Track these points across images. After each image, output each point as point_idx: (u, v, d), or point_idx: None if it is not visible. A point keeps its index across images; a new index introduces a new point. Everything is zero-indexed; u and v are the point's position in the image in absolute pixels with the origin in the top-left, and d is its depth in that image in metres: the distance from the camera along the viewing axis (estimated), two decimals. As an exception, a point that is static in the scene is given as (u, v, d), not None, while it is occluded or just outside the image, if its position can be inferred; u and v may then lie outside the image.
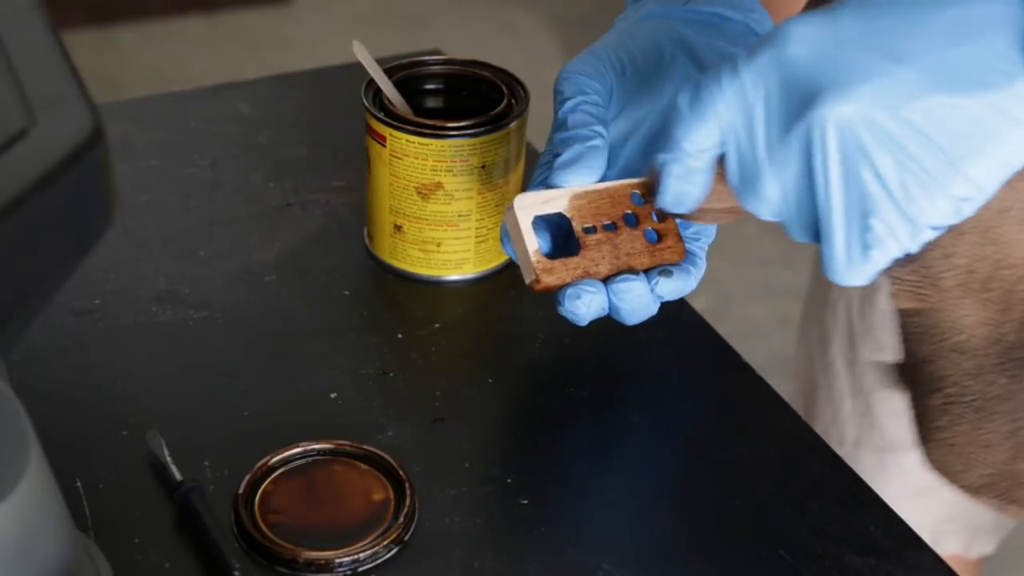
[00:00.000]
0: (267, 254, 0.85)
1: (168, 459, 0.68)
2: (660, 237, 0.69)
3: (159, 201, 0.89)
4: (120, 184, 0.89)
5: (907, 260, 0.63)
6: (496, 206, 0.81)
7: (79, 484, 0.68)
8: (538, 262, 0.66)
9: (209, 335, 0.78)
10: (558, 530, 0.67)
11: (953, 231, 0.61)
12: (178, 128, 0.96)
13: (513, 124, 0.80)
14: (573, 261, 0.67)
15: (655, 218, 0.69)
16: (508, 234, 0.67)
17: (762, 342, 1.94)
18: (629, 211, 0.68)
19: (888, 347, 0.98)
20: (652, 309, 0.67)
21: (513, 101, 0.82)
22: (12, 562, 0.51)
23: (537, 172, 0.69)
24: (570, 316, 0.66)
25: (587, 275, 0.67)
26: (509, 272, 0.84)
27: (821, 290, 1.05)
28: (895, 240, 0.56)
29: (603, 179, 0.68)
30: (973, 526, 1.03)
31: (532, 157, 0.89)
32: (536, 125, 0.84)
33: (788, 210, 0.59)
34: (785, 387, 1.09)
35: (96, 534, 0.65)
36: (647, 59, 0.72)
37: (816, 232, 0.59)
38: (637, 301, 0.67)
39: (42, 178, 0.43)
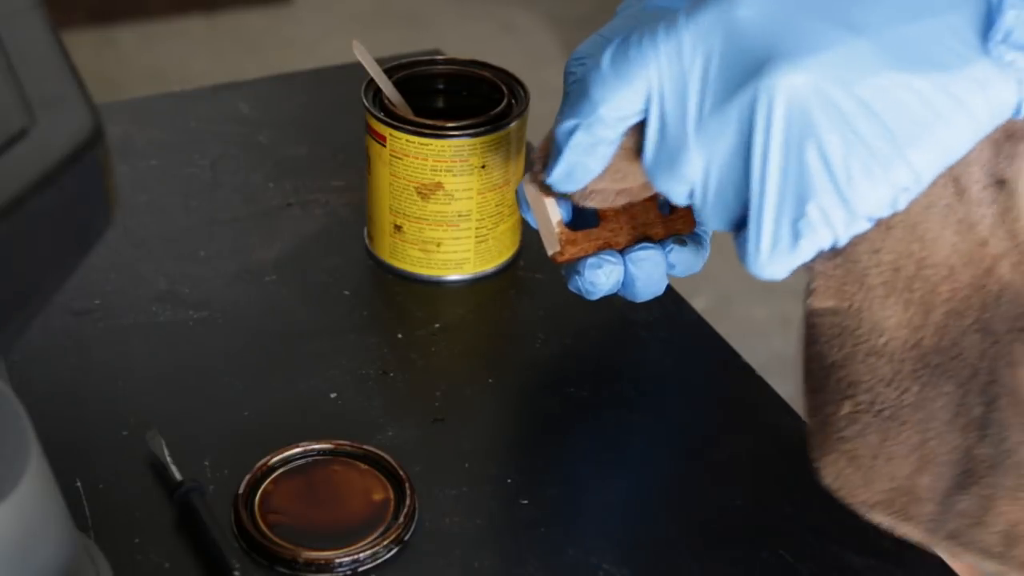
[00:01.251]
0: (267, 254, 0.85)
1: (168, 459, 0.68)
2: (672, 208, 0.69)
3: (159, 201, 0.89)
4: (120, 184, 0.89)
5: (832, 254, 0.60)
6: (496, 206, 0.81)
7: (79, 484, 0.68)
8: (562, 233, 0.66)
9: (209, 335, 0.78)
10: (558, 530, 0.67)
11: (882, 225, 0.58)
12: (178, 128, 0.96)
13: (513, 124, 0.80)
14: (594, 232, 0.66)
15: None
16: (528, 204, 0.66)
17: (762, 342, 1.94)
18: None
19: None
20: (662, 286, 0.66)
21: (513, 101, 0.82)
22: (12, 562, 0.51)
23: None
24: (587, 288, 0.65)
25: (608, 246, 0.67)
26: (509, 272, 0.84)
27: None
28: (828, 229, 0.53)
29: None
30: None
31: (532, 157, 0.89)
32: (536, 125, 0.84)
33: (707, 192, 0.54)
34: (785, 387, 1.09)
35: (96, 534, 0.65)
36: None
37: (735, 219, 0.55)
38: (654, 270, 0.65)
39: (42, 178, 0.43)
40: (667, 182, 0.55)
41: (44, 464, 0.53)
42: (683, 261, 0.67)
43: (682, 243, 0.66)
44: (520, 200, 0.68)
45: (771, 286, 2.25)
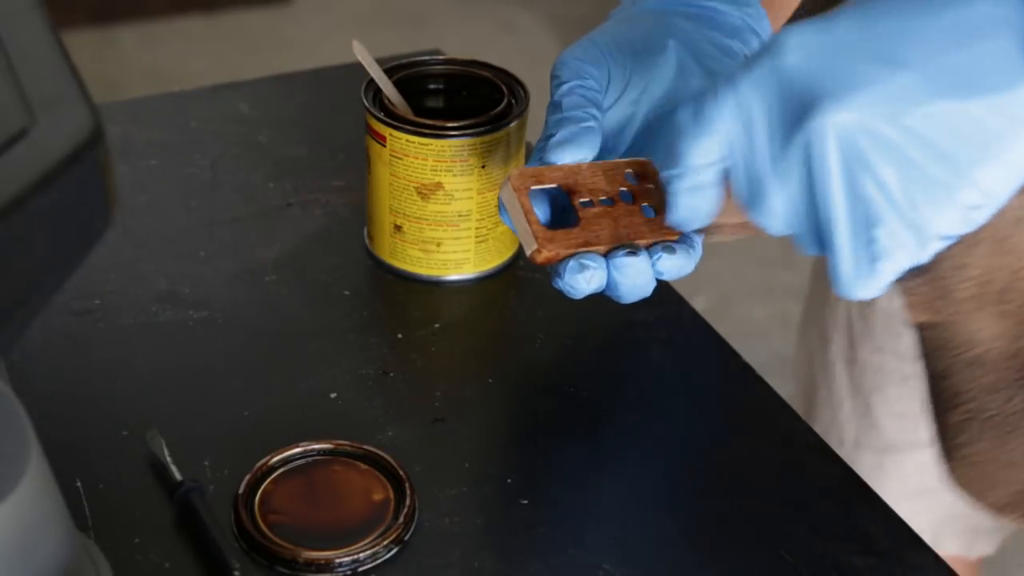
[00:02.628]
0: (267, 254, 0.85)
1: (168, 459, 0.68)
2: (658, 213, 0.68)
3: (159, 201, 0.89)
4: (120, 184, 0.89)
5: (918, 271, 0.62)
6: (496, 206, 0.81)
7: (79, 484, 0.68)
8: (539, 231, 0.65)
9: (209, 335, 0.78)
10: (558, 530, 0.67)
11: (966, 240, 0.59)
12: (178, 128, 0.96)
13: (513, 124, 0.80)
14: (574, 232, 0.66)
15: (651, 195, 0.68)
16: (505, 208, 0.67)
17: (762, 342, 1.94)
18: (624, 188, 0.68)
19: (887, 348, 0.98)
20: (649, 288, 0.66)
21: (513, 101, 0.82)
22: (12, 562, 0.51)
23: (533, 154, 0.69)
24: (568, 290, 0.65)
25: (588, 245, 0.66)
26: (509, 272, 0.84)
27: (821, 290, 1.05)
28: (903, 251, 0.55)
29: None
30: (973, 526, 1.03)
31: (532, 157, 0.89)
32: (536, 125, 0.84)
33: (798, 223, 0.57)
34: (785, 387, 1.09)
35: (96, 534, 0.65)
36: (644, 46, 0.71)
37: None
38: (638, 277, 0.65)
39: (42, 178, 0.43)
40: (761, 217, 0.58)
41: (44, 464, 0.53)
42: (672, 267, 0.67)
43: (671, 250, 0.66)
44: (500, 206, 0.68)
45: (771, 286, 2.25)
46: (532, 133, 0.85)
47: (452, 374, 0.77)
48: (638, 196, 0.68)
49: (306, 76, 1.05)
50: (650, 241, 0.68)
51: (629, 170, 0.68)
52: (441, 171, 0.79)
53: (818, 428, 1.01)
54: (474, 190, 0.80)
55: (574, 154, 0.67)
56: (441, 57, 0.86)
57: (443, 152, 0.79)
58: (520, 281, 0.84)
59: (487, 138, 0.79)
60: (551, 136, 0.68)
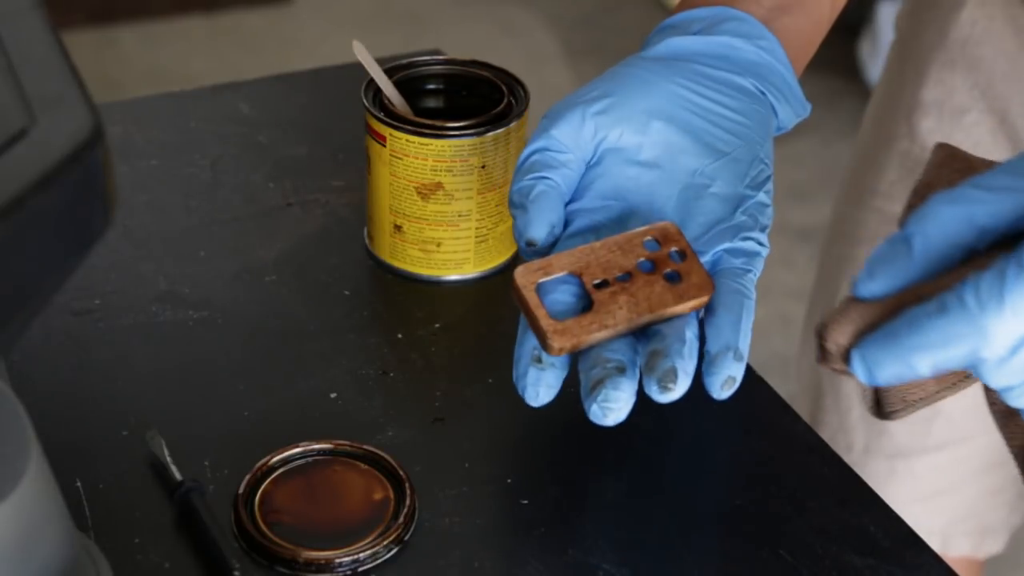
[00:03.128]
0: (267, 254, 0.85)
1: (168, 459, 0.68)
2: (682, 276, 0.66)
3: (159, 201, 0.89)
4: (120, 184, 0.89)
5: None
6: (496, 206, 0.81)
7: (79, 484, 0.68)
8: (548, 325, 0.63)
9: (209, 335, 0.78)
10: (558, 530, 0.67)
11: None
12: (178, 128, 0.96)
13: (513, 124, 0.80)
14: (587, 318, 0.63)
15: (675, 259, 0.66)
16: (517, 303, 0.65)
17: (762, 342, 1.94)
18: (644, 257, 0.66)
19: None
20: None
21: (513, 101, 0.82)
22: (12, 562, 0.51)
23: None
24: (600, 418, 0.63)
25: (603, 327, 0.63)
26: (509, 272, 0.84)
27: (827, 294, 1.05)
28: None
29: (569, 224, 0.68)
30: (983, 526, 1.03)
31: (532, 157, 0.89)
32: (536, 125, 0.84)
33: None
34: (785, 387, 1.09)
35: (96, 534, 0.65)
36: (629, 137, 0.71)
37: None
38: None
39: (42, 178, 0.43)
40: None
41: (44, 464, 0.53)
42: (674, 396, 0.64)
43: (667, 389, 0.63)
44: (515, 295, 0.66)
45: (770, 286, 2.25)
46: (532, 133, 0.85)
47: (452, 374, 0.77)
48: (660, 263, 0.66)
49: (306, 76, 1.05)
50: (674, 305, 0.65)
51: (649, 237, 0.66)
52: (441, 171, 0.79)
53: (824, 434, 1.01)
54: (474, 190, 0.80)
55: (535, 221, 0.67)
56: (441, 57, 0.86)
57: (443, 152, 0.79)
58: (520, 281, 0.84)
59: (487, 138, 0.79)
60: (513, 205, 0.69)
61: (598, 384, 0.62)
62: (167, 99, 1.01)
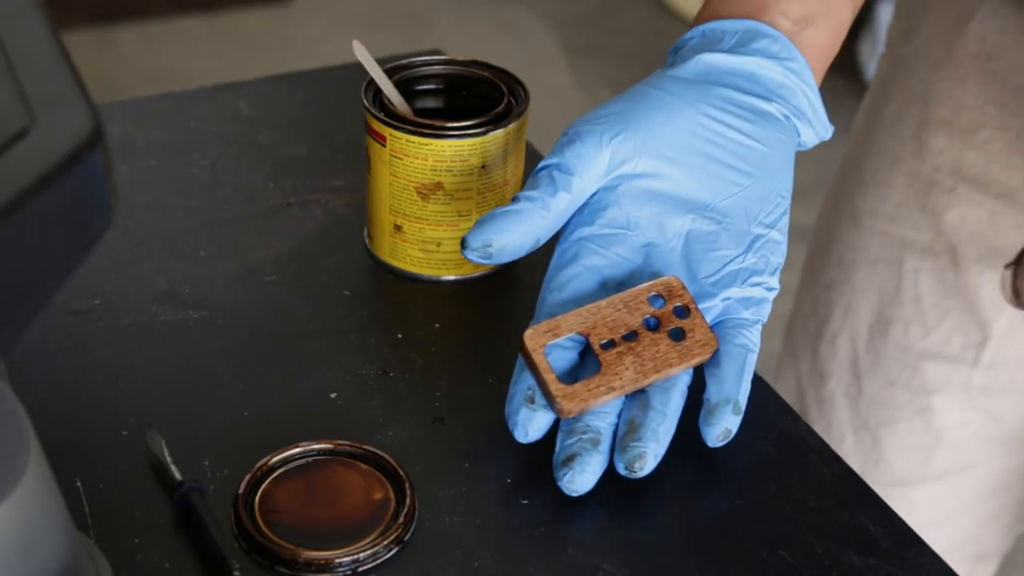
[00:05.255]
0: (267, 254, 0.85)
1: (168, 459, 0.68)
2: (686, 333, 0.69)
3: (159, 201, 0.89)
4: (120, 184, 0.89)
5: None
6: (496, 206, 0.81)
7: (79, 484, 0.68)
8: (558, 391, 0.66)
9: (209, 335, 0.78)
10: (558, 530, 0.67)
11: None
12: (178, 128, 0.96)
13: (513, 124, 0.80)
14: (595, 381, 0.67)
15: (679, 314, 0.69)
16: (525, 365, 0.68)
17: (762, 342, 1.94)
18: (649, 314, 0.68)
19: (900, 382, 0.97)
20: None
21: (513, 101, 0.82)
22: (12, 562, 0.51)
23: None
24: (569, 490, 0.67)
25: (611, 391, 0.67)
26: (509, 272, 0.84)
27: (816, 322, 1.03)
28: None
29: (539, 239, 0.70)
30: (978, 553, 1.03)
31: (532, 157, 0.89)
32: (536, 125, 0.84)
33: None
34: (785, 387, 1.09)
35: (96, 534, 0.65)
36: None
37: None
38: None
39: (42, 178, 0.43)
40: None
41: (44, 464, 0.53)
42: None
43: (634, 471, 0.67)
44: (523, 355, 0.68)
45: (771, 286, 2.24)
46: (532, 133, 0.85)
47: (452, 374, 0.77)
48: (664, 321, 0.68)
49: (306, 76, 1.05)
50: (678, 364, 0.68)
51: (654, 292, 0.69)
52: (441, 171, 0.79)
53: None
54: (474, 190, 0.80)
55: (486, 234, 0.69)
56: (441, 57, 0.86)
57: (443, 152, 0.79)
58: (520, 281, 0.84)
59: (487, 138, 0.79)
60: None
61: (568, 461, 0.67)
62: (167, 99, 1.01)
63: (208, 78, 1.17)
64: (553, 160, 0.70)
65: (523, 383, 0.68)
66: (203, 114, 0.98)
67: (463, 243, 0.70)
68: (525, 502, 0.68)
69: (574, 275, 0.70)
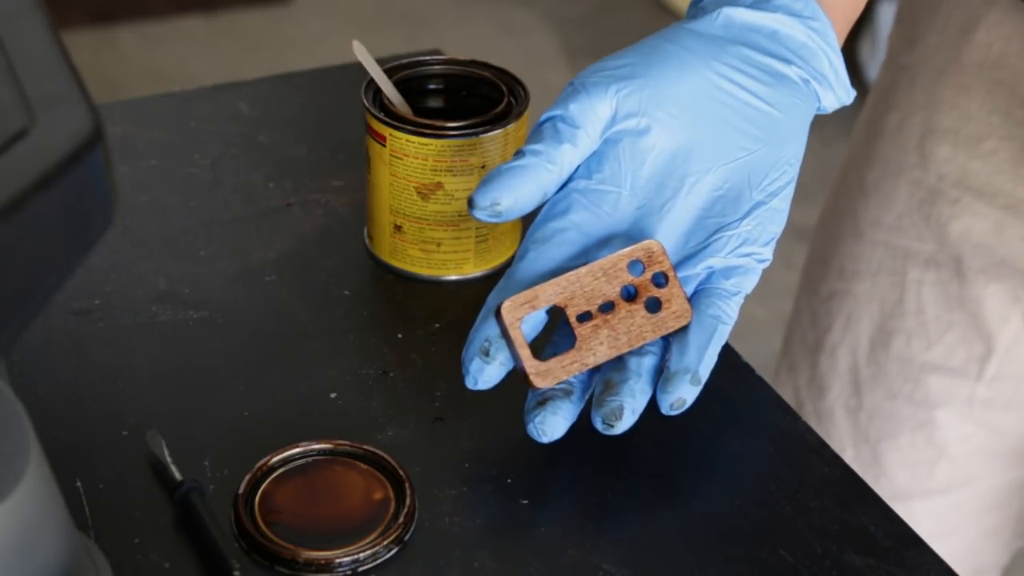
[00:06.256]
0: (267, 254, 0.85)
1: (168, 459, 0.68)
2: (662, 304, 0.68)
3: (159, 201, 0.89)
4: (120, 184, 0.89)
5: None
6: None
7: (79, 484, 0.68)
8: (531, 367, 0.66)
9: (209, 335, 0.78)
10: (558, 530, 0.67)
11: None
12: (178, 128, 0.96)
13: (513, 124, 0.80)
14: (568, 356, 0.67)
15: (658, 281, 0.68)
16: (501, 335, 0.67)
17: (762, 342, 1.94)
18: (628, 283, 0.68)
19: (902, 395, 0.96)
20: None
21: (513, 101, 0.82)
22: (12, 562, 0.51)
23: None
24: (538, 436, 0.67)
25: (585, 366, 0.67)
26: (509, 272, 0.84)
27: (815, 334, 1.02)
28: None
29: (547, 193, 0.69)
30: (976, 568, 1.02)
31: (532, 157, 0.89)
32: (536, 125, 0.84)
33: None
34: (785, 387, 1.09)
35: (96, 534, 0.65)
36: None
37: None
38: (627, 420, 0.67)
39: (42, 178, 0.43)
40: None
41: (44, 464, 0.53)
42: (623, 425, 0.67)
43: (610, 425, 0.66)
44: (499, 325, 0.68)
45: (770, 286, 2.25)
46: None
47: (452, 374, 0.77)
48: (641, 290, 0.68)
49: (306, 76, 1.05)
50: (652, 337, 0.68)
51: (635, 258, 0.68)
52: (441, 171, 0.79)
53: None
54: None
55: (493, 191, 0.67)
56: (441, 57, 0.86)
57: (443, 152, 0.79)
58: (520, 281, 0.84)
59: (487, 138, 0.79)
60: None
61: (540, 405, 0.67)
62: (167, 99, 1.01)
63: (208, 78, 1.17)
64: (557, 112, 0.69)
65: (482, 334, 0.67)
66: (203, 114, 0.98)
67: (470, 202, 0.68)
68: (525, 502, 0.68)
69: (560, 229, 0.69)
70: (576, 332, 0.67)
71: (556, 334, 0.69)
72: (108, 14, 2.84)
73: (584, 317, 0.67)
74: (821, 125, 0.81)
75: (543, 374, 0.66)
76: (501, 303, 0.66)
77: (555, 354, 0.67)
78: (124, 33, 2.85)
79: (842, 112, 0.77)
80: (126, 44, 2.82)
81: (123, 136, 0.95)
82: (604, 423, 0.66)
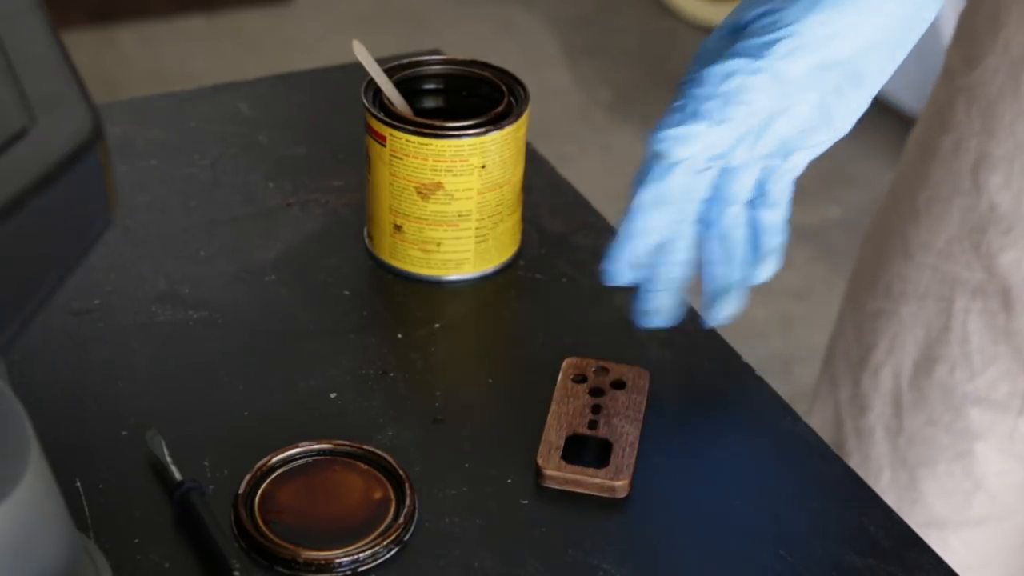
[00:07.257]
0: (267, 254, 0.85)
1: (168, 459, 0.68)
2: (624, 380, 0.75)
3: (159, 201, 0.89)
4: (120, 184, 0.89)
5: None
6: (496, 206, 0.81)
7: (79, 484, 0.68)
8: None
9: (209, 335, 0.78)
10: (558, 530, 0.67)
11: None
12: (178, 128, 0.96)
13: (513, 124, 0.80)
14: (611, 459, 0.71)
15: (599, 374, 0.75)
16: None
17: (762, 342, 1.94)
18: (587, 391, 0.74)
19: (942, 423, 0.94)
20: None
21: (513, 101, 0.82)
22: (12, 562, 0.51)
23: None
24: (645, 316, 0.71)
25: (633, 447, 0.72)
26: (509, 272, 0.84)
27: (860, 350, 1.00)
28: None
29: None
30: None
31: (532, 157, 0.89)
32: (536, 125, 0.84)
33: None
34: (785, 387, 1.08)
35: (96, 534, 0.65)
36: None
37: None
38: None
39: (42, 178, 0.43)
40: None
41: (44, 464, 0.53)
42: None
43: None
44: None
45: (771, 286, 2.25)
46: (532, 133, 0.85)
47: (452, 374, 0.77)
48: (602, 387, 0.74)
49: (306, 76, 1.05)
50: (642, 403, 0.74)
51: (572, 376, 0.75)
52: (441, 171, 0.79)
53: None
54: (474, 190, 0.80)
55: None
56: (441, 57, 0.86)
57: (443, 152, 0.79)
58: (520, 281, 0.84)
59: (487, 138, 0.79)
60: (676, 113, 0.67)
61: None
62: (167, 99, 1.01)
63: (208, 78, 1.17)
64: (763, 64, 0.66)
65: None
66: (203, 114, 0.98)
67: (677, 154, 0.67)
68: (525, 502, 0.68)
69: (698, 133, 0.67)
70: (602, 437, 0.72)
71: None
72: (108, 14, 2.84)
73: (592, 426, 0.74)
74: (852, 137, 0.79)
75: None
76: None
77: None
78: (124, 33, 2.85)
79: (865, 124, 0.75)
80: (126, 44, 2.82)
81: (123, 136, 0.95)
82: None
